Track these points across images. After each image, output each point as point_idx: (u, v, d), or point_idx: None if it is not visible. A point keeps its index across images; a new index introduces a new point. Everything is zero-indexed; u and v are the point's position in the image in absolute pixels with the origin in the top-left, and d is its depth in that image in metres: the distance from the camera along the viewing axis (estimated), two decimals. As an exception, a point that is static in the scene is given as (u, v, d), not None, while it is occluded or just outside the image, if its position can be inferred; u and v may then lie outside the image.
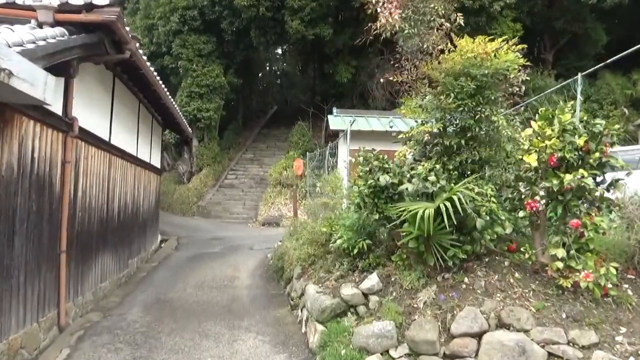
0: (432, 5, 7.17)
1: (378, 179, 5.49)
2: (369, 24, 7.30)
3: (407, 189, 5.19)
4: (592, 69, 7.25)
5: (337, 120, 18.14)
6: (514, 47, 5.54)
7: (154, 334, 6.18)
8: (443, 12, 7.07)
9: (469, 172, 5.51)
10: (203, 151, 23.86)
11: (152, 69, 9.10)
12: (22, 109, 5.21)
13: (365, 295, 5.59)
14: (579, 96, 6.78)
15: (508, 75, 5.53)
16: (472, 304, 4.85)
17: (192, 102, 22.76)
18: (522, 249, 5.21)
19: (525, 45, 5.77)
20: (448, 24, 7.03)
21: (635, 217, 5.23)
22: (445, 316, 4.84)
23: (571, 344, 4.39)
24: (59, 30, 5.94)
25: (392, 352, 4.84)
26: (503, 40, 5.54)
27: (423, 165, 5.34)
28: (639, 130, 18.31)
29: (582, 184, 4.59)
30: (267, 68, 40.44)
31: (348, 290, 5.64)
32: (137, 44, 7.63)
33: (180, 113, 13.92)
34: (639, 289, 4.97)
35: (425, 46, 6.79)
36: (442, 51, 5.84)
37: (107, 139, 8.60)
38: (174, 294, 8.22)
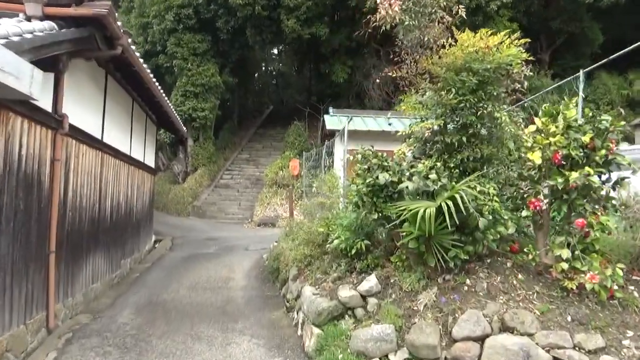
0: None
1: (377, 177, 5.31)
2: (368, 17, 7.11)
3: (407, 187, 5.01)
4: (593, 65, 7.10)
5: (333, 120, 17.97)
6: (516, 41, 5.38)
7: (145, 337, 5.99)
8: (445, 3, 6.89)
9: (470, 170, 5.35)
10: (198, 151, 23.66)
11: (145, 66, 8.91)
12: (9, 104, 5.03)
13: (364, 297, 5.41)
14: (580, 93, 6.63)
15: (510, 71, 5.38)
16: (475, 307, 4.69)
17: (187, 102, 22.53)
18: (525, 250, 5.06)
19: (529, 40, 5.62)
20: (449, 17, 6.86)
21: (640, 217, 5.10)
22: (446, 319, 4.69)
23: (577, 348, 4.24)
24: (47, 24, 5.77)
25: (392, 357, 4.68)
26: (505, 34, 5.39)
27: (423, 163, 5.18)
28: (635, 130, 18.23)
29: (588, 182, 4.45)
30: (263, 68, 40.30)
31: (345, 292, 5.46)
32: (129, 40, 7.45)
33: (174, 112, 13.73)
34: (646, 290, 4.84)
35: (426, 39, 6.61)
36: (442, 46, 5.68)
37: (99, 137, 8.43)
38: (167, 295, 8.03)
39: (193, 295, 8.03)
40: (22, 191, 5.46)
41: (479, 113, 5.16)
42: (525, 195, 5.14)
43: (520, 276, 5.01)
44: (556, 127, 4.82)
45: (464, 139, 5.28)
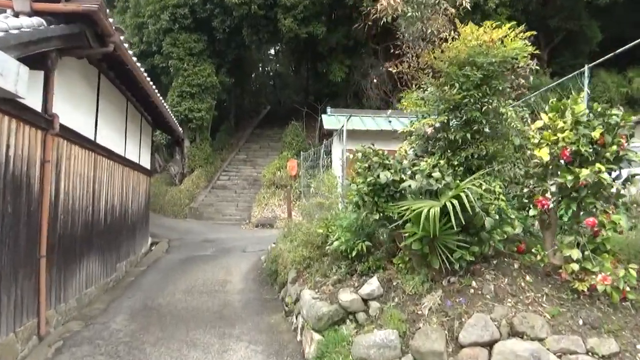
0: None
1: (378, 176, 5.10)
2: (368, 9, 6.90)
3: (409, 186, 4.81)
4: (597, 62, 6.91)
5: (331, 120, 17.81)
6: (520, 34, 5.19)
7: (138, 345, 5.78)
8: (448, -6, 6.70)
9: (475, 168, 5.15)
10: (195, 152, 23.44)
11: (138, 64, 8.71)
12: (-6, 102, 4.84)
13: (365, 301, 5.20)
14: (586, 88, 6.46)
15: (515, 65, 5.19)
16: (482, 311, 4.49)
17: (183, 102, 22.32)
18: (533, 250, 4.86)
19: (534, 32, 5.43)
20: (453, 9, 6.66)
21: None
22: (452, 324, 4.47)
23: (590, 354, 4.05)
24: (36, 20, 5.60)
25: (396, 364, 4.47)
26: (510, 27, 5.20)
27: (426, 161, 4.98)
28: (635, 127, 18.10)
29: (599, 180, 4.26)
30: (260, 69, 40.09)
31: (346, 296, 5.26)
32: (122, 37, 7.25)
33: (170, 112, 13.54)
34: (658, 292, 4.65)
35: (429, 31, 6.41)
36: (444, 39, 5.48)
37: (92, 138, 8.26)
38: (162, 300, 7.82)
39: (189, 299, 7.82)
40: (9, 194, 5.28)
41: (483, 109, 4.96)
42: (531, 194, 4.95)
43: (528, 278, 4.81)
44: (564, 122, 4.64)
45: (468, 135, 5.07)
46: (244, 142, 27.62)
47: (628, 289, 4.38)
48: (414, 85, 5.88)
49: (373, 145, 5.53)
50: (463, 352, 4.25)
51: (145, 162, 13.17)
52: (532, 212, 4.81)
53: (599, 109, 4.62)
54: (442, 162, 4.99)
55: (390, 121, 13.67)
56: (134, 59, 8.31)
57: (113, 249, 9.55)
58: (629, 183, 4.62)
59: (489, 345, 4.23)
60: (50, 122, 6.23)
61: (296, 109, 26.80)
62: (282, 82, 39.37)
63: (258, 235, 15.55)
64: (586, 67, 6.66)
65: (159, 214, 20.89)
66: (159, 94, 10.95)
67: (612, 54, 6.70)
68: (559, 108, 4.76)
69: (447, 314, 4.60)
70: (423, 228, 4.48)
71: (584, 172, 4.26)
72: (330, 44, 23.18)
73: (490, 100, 4.96)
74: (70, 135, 7.12)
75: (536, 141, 4.74)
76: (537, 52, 5.23)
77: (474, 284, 4.82)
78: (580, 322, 4.28)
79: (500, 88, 5.03)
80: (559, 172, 4.59)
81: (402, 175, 5.10)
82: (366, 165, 5.39)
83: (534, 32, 5.39)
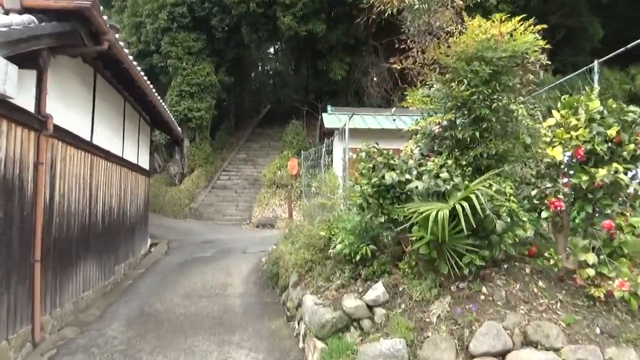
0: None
1: (383, 176, 4.88)
2: (372, 1, 6.66)
3: (416, 187, 4.59)
4: (608, 56, 6.67)
5: (332, 119, 17.59)
6: (531, 27, 4.97)
7: (134, 353, 5.58)
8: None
9: (484, 168, 4.93)
10: (195, 152, 23.25)
11: (135, 63, 8.51)
12: (-18, 103, 4.66)
13: (370, 307, 4.97)
14: (595, 84, 6.25)
15: (526, 61, 4.97)
16: (493, 318, 4.28)
17: (182, 102, 22.12)
18: (546, 254, 4.64)
19: (545, 25, 5.21)
20: (460, 1, 6.42)
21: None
22: (462, 332, 4.26)
23: (609, 364, 3.85)
24: (26, 17, 5.40)
25: (404, 375, 4.26)
26: (520, 20, 4.98)
27: (433, 161, 4.76)
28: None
29: (616, 180, 4.05)
30: (260, 67, 39.85)
31: (350, 302, 5.03)
32: (117, 35, 7.04)
33: (168, 112, 13.34)
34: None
35: (437, 24, 6.17)
36: (451, 34, 5.26)
37: (88, 139, 8.08)
38: (160, 305, 7.61)
39: (188, 304, 7.62)
40: (1, 197, 5.11)
41: (493, 106, 4.74)
42: (543, 195, 4.75)
43: (540, 283, 4.60)
44: (577, 120, 4.43)
45: (477, 134, 4.84)
46: (244, 141, 27.43)
47: (646, 295, 4.18)
48: (418, 82, 5.65)
49: (377, 144, 5.32)
50: (474, 363, 4.04)
51: (144, 163, 12.99)
52: (544, 214, 4.59)
53: (614, 106, 4.43)
54: (449, 161, 4.78)
55: (394, 119, 13.43)
56: (130, 57, 8.11)
57: (111, 252, 9.37)
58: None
59: (502, 355, 4.03)
60: (44, 123, 6.05)
61: (296, 107, 26.59)
62: (281, 80, 39.15)
63: (259, 236, 15.36)
64: (595, 62, 6.46)
65: (158, 214, 20.73)
66: (156, 93, 10.75)
67: (621, 50, 6.48)
68: (572, 105, 4.56)
69: (456, 321, 4.38)
70: (431, 232, 4.27)
71: (601, 172, 4.06)
72: (330, 41, 22.95)
73: (500, 97, 4.74)
74: (65, 136, 6.94)
75: (548, 140, 4.53)
76: (548, 46, 5.01)
77: (484, 289, 4.62)
78: (597, 330, 4.08)
79: (510, 84, 4.81)
80: (573, 172, 4.38)
81: (408, 176, 4.88)
82: (370, 165, 5.17)
83: (545, 26, 5.17)
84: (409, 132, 5.74)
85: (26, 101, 5.68)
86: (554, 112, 4.61)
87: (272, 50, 37.69)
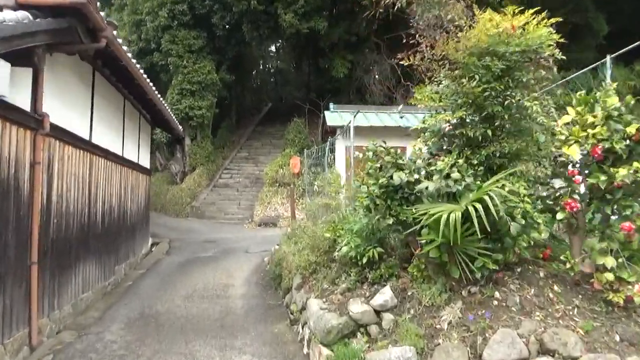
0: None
1: (391, 177, 4.69)
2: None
3: (427, 188, 4.40)
4: (620, 51, 6.46)
5: (334, 116, 17.40)
6: (544, 21, 4.77)
7: (134, 358, 5.40)
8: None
9: (496, 167, 4.74)
10: (196, 150, 23.08)
11: (134, 61, 8.34)
12: (-25, 102, 4.50)
13: (378, 312, 4.79)
14: (608, 80, 6.04)
15: (538, 56, 4.76)
16: (507, 325, 4.09)
17: (183, 100, 21.94)
18: (562, 257, 4.45)
19: (560, 19, 5.02)
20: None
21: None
22: (475, 340, 4.07)
23: (630, 374, 3.66)
24: (20, 14, 5.22)
25: (414, 384, 4.07)
26: (533, 13, 4.78)
27: (443, 160, 4.56)
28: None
29: (637, 180, 3.86)
30: (261, 65, 39.65)
31: (357, 307, 4.84)
32: (115, 32, 6.85)
33: (169, 110, 13.17)
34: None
35: (449, 17, 5.97)
36: (461, 28, 5.06)
37: (87, 138, 7.95)
38: (160, 307, 7.44)
39: (189, 306, 7.45)
40: (-5, 198, 4.95)
41: (506, 103, 4.55)
42: (557, 195, 4.55)
43: (556, 288, 4.41)
44: (594, 117, 4.24)
45: (489, 132, 4.65)
46: (245, 139, 27.24)
47: (667, 300, 3.99)
48: (427, 79, 5.45)
49: (385, 142, 5.12)
50: (488, 372, 3.85)
51: (145, 162, 12.85)
52: (559, 216, 4.39)
53: (632, 102, 4.24)
54: (460, 161, 4.57)
55: (402, 117, 13.24)
56: (129, 55, 7.94)
57: (111, 252, 9.24)
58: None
59: (517, 364, 3.84)
60: (40, 122, 5.91)
61: (298, 105, 26.40)
62: (283, 78, 38.97)
63: (261, 235, 15.19)
64: (608, 57, 6.25)
65: (160, 213, 20.63)
66: (156, 92, 10.59)
67: (634, 45, 6.28)
68: (588, 101, 4.37)
69: (468, 328, 4.19)
70: (443, 234, 4.08)
71: (621, 172, 3.87)
72: (332, 39, 22.73)
73: (513, 94, 4.55)
74: (63, 135, 6.79)
75: (563, 138, 4.33)
76: (562, 39, 4.81)
77: (497, 294, 4.42)
78: (617, 338, 3.90)
79: (524, 80, 4.61)
80: (590, 172, 4.19)
81: (417, 176, 4.69)
82: (377, 165, 4.98)
83: (560, 19, 4.97)
84: (417, 131, 5.54)
85: (22, 99, 5.55)
86: (569, 109, 4.42)
87: (273, 48, 37.51)
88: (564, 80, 6.49)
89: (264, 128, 28.91)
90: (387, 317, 4.70)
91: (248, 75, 33.41)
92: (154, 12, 22.02)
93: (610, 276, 4.00)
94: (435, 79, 5.26)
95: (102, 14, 6.28)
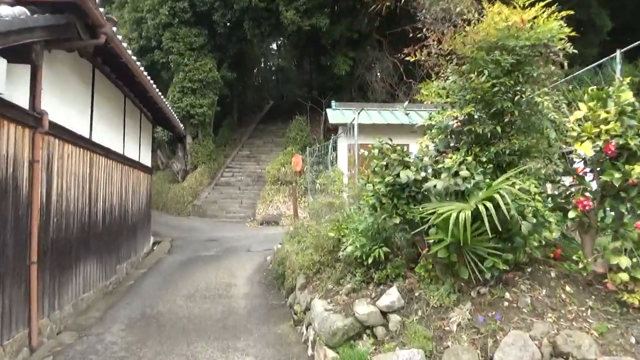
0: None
1: (398, 175, 4.57)
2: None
3: (434, 186, 4.28)
4: (630, 46, 6.32)
5: (336, 114, 17.29)
6: (555, 14, 4.65)
7: (135, 360, 5.32)
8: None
9: (506, 165, 4.61)
10: (197, 148, 22.99)
11: (134, 58, 8.23)
12: (-27, 100, 4.40)
13: (384, 314, 4.67)
14: (618, 75, 5.91)
15: (549, 50, 4.63)
16: (519, 327, 3.97)
17: (184, 98, 21.83)
18: (574, 257, 4.32)
19: (572, 12, 4.89)
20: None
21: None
22: (485, 342, 3.95)
23: (646, 377, 3.55)
24: (18, 9, 5.10)
25: (423, 388, 3.96)
26: (543, 6, 4.65)
27: (451, 158, 4.44)
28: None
29: (654, 178, 3.74)
30: (262, 64, 39.53)
31: (363, 308, 4.72)
32: (114, 28, 6.74)
33: (169, 108, 13.06)
34: None
35: (457, 10, 5.83)
36: (469, 22, 4.93)
37: (87, 136, 7.85)
38: (162, 307, 7.34)
39: (191, 306, 7.35)
40: (-7, 197, 4.86)
41: (516, 98, 4.42)
42: (568, 193, 4.43)
43: (568, 288, 4.29)
44: (607, 113, 4.12)
45: (498, 128, 4.53)
46: (247, 137, 27.14)
47: (683, 301, 3.88)
48: (434, 74, 5.33)
49: (391, 140, 5.00)
50: (499, 376, 3.74)
51: (146, 160, 12.75)
52: (571, 214, 4.26)
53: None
54: (469, 158, 4.45)
55: (407, 114, 13.12)
56: (130, 52, 7.82)
57: (112, 251, 9.16)
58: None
59: (529, 367, 3.73)
60: (39, 120, 5.82)
61: (300, 103, 26.27)
62: (284, 76, 38.87)
63: (263, 234, 15.11)
64: (618, 52, 6.08)
65: (161, 211, 20.59)
66: (157, 89, 10.48)
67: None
68: (600, 97, 4.25)
69: (478, 330, 4.07)
70: (452, 234, 3.96)
71: (637, 169, 3.74)
72: (333, 36, 22.60)
73: (523, 89, 4.42)
74: (63, 133, 6.70)
75: (575, 134, 4.21)
76: (574, 33, 4.69)
77: (507, 295, 4.30)
78: (633, 340, 3.77)
79: (535, 75, 4.49)
80: (603, 169, 4.06)
81: (424, 174, 4.56)
82: (384, 163, 4.86)
83: (571, 12, 4.84)
84: (424, 128, 5.42)
85: (20, 97, 5.46)
86: (581, 104, 4.29)
87: (274, 45, 37.44)
88: (572, 76, 6.32)
89: (265, 126, 28.81)
90: (394, 318, 4.59)
91: (249, 73, 33.28)
92: (155, 9, 21.94)
93: (624, 276, 3.89)
94: (442, 75, 5.13)
95: (101, 10, 6.17)
